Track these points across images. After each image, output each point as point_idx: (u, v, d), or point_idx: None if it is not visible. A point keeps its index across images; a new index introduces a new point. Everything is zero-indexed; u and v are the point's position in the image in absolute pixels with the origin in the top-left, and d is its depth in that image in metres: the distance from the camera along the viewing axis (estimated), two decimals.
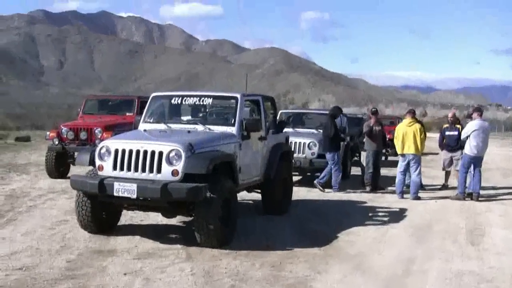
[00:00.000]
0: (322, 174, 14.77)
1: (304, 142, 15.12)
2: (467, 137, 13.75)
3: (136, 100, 17.14)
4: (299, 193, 14.09)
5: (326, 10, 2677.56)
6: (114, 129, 14.82)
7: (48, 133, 16.71)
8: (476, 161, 13.87)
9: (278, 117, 16.47)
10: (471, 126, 13.73)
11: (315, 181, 14.73)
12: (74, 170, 14.74)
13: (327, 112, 18.07)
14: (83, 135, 15.60)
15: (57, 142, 15.61)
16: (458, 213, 12.08)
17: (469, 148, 13.73)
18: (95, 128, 15.54)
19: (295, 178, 16.27)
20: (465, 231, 10.20)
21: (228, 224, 8.52)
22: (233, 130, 9.44)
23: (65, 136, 15.74)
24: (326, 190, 14.51)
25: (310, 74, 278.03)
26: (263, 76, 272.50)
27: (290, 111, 19.75)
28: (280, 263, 7.63)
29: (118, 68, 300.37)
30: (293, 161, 14.22)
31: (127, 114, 16.72)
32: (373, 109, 16.35)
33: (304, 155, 15.02)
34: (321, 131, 16.06)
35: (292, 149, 14.65)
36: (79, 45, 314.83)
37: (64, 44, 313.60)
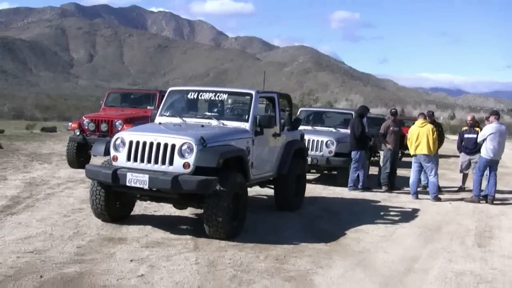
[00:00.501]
0: (356, 180, 15.05)
1: (322, 140, 15.22)
2: (484, 140, 13.79)
3: (158, 94, 17.39)
4: (315, 190, 14.27)
5: (357, 10, 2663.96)
6: (134, 122, 15.04)
7: (70, 124, 17.06)
8: (492, 164, 13.90)
9: (298, 114, 16.68)
10: (488, 129, 13.77)
11: (357, 190, 14.93)
12: (95, 161, 14.99)
13: (346, 111, 18.23)
14: (103, 127, 15.91)
15: (78, 133, 15.94)
16: (470, 216, 12.13)
17: (486, 151, 13.77)
18: (115, 120, 15.83)
19: (313, 176, 16.50)
20: (474, 233, 10.26)
21: (237, 218, 8.72)
22: (246, 125, 9.61)
23: (86, 127, 16.07)
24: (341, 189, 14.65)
25: (338, 74, 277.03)
26: (291, 74, 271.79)
27: (310, 109, 19.87)
28: (284, 256, 7.79)
29: (147, 63, 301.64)
30: (310, 158, 14.43)
31: (148, 107, 16.95)
32: (393, 110, 16.43)
33: (321, 153, 15.13)
34: (340, 129, 16.27)
35: (310, 147, 14.87)
36: (109, 38, 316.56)
37: (94, 37, 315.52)
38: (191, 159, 8.17)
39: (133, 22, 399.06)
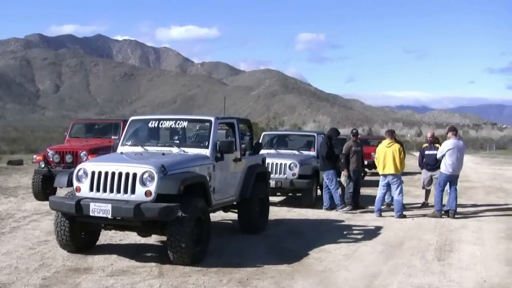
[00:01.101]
0: (324, 200, 15.33)
1: (285, 163, 15.43)
2: (443, 156, 14.11)
3: (122, 124, 17.46)
4: (280, 213, 14.45)
5: (321, 31, 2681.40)
6: (99, 152, 15.11)
7: (34, 156, 17.09)
8: (452, 179, 14.22)
9: (261, 139, 16.90)
10: (447, 145, 14.09)
11: (327, 210, 15.19)
12: (61, 192, 15.02)
13: (309, 133, 18.50)
14: (68, 158, 15.96)
15: (43, 165, 15.96)
16: (432, 230, 12.37)
17: (445, 167, 14.09)
18: (80, 151, 15.89)
19: (278, 199, 16.71)
20: (434, 248, 10.49)
21: (201, 243, 8.86)
22: (207, 152, 9.78)
23: (51, 159, 16.12)
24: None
25: (305, 95, 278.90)
26: (258, 97, 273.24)
27: (273, 132, 20.12)
28: (247, 279, 7.94)
29: (114, 91, 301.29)
30: (274, 181, 14.66)
31: (113, 137, 17.01)
32: (354, 130, 16.72)
33: (285, 175, 15.34)
34: (303, 152, 16.57)
35: (274, 170, 15.09)
36: (75, 68, 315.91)
37: (60, 67, 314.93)
38: (152, 187, 8.32)
39: (98, 51, 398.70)
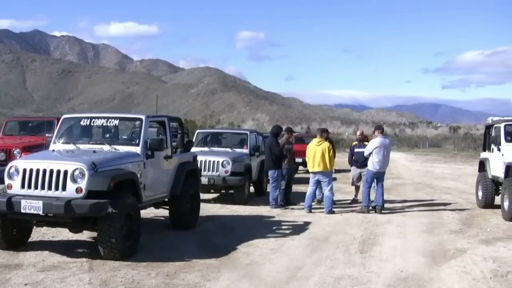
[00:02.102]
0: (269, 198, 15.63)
1: (218, 161, 15.70)
2: (370, 153, 14.61)
3: (56, 121, 17.46)
4: (213, 209, 14.76)
5: (261, 30, 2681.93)
6: (33, 150, 15.14)
7: None
8: (379, 176, 14.75)
9: (194, 137, 17.16)
10: (373, 144, 14.61)
11: (271, 207, 15.44)
12: None
13: (242, 131, 18.83)
14: (1, 156, 15.94)
15: None
16: (358, 225, 12.82)
17: (372, 164, 14.61)
18: (13, 149, 15.90)
19: (211, 196, 17.01)
20: (358, 241, 10.92)
21: (131, 238, 9.11)
22: (137, 149, 10.02)
23: None
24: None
25: (244, 94, 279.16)
26: (198, 95, 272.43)
27: (207, 130, 20.39)
28: (175, 272, 8.21)
29: (52, 88, 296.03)
30: (207, 178, 14.95)
31: (47, 135, 17.05)
32: (288, 128, 17.12)
33: (218, 173, 15.60)
34: (236, 149, 16.88)
35: (207, 167, 15.37)
36: (10, 64, 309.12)
37: None
38: (83, 183, 8.52)
39: (35, 47, 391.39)
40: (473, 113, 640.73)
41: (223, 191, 16.83)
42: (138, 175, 9.70)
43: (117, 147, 10.13)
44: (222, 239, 10.90)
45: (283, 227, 12.51)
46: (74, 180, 8.57)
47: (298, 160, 23.47)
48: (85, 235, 10.59)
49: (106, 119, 10.70)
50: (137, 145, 10.11)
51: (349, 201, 16.86)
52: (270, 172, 15.54)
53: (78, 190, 8.53)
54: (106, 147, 10.12)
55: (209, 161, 15.69)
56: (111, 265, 8.56)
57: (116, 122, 10.71)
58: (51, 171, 8.69)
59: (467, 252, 10.06)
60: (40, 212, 8.46)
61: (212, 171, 15.62)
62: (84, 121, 10.85)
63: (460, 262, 9.28)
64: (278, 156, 15.45)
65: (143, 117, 10.55)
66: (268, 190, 16.58)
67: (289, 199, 15.92)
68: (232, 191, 16.25)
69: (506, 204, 13.45)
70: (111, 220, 8.55)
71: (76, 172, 8.58)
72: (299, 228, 12.29)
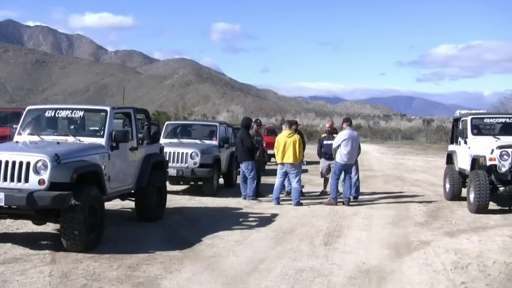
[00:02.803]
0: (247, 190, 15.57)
1: (187, 152, 15.70)
2: (338, 146, 14.67)
3: (23, 113, 17.33)
4: (181, 201, 14.75)
5: (237, 22, 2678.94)
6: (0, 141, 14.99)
7: None
8: (347, 168, 14.81)
9: (163, 128, 17.14)
10: (341, 136, 14.68)
11: (245, 199, 15.46)
12: None
13: (211, 123, 18.85)
14: None
15: None
16: (324, 217, 12.86)
17: (340, 156, 14.66)
18: None
19: (181, 187, 17.00)
20: (324, 234, 10.95)
21: (94, 230, 9.06)
22: (102, 141, 9.97)
23: None
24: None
25: (219, 85, 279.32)
26: (172, 87, 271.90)
27: (176, 122, 20.30)
28: (137, 264, 8.19)
29: (25, 79, 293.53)
30: (176, 170, 14.94)
31: (14, 126, 16.88)
32: (258, 120, 17.17)
33: (186, 164, 15.60)
34: (205, 141, 16.88)
35: (176, 159, 15.36)
36: None
37: None
38: (46, 175, 8.45)
39: (9, 37, 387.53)
40: (446, 106, 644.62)
41: (192, 183, 16.86)
42: (103, 167, 9.65)
43: (82, 138, 10.07)
44: (188, 231, 10.89)
45: (250, 219, 12.53)
46: (36, 172, 8.50)
47: (271, 152, 23.52)
48: (50, 227, 10.53)
49: (71, 111, 10.63)
50: (102, 136, 10.06)
51: (318, 193, 16.91)
52: (244, 164, 15.52)
53: (40, 182, 8.46)
54: (70, 139, 10.05)
55: (178, 152, 15.68)
56: (73, 257, 8.51)
57: (81, 113, 10.65)
58: (14, 163, 8.58)
59: (430, 244, 10.13)
60: (2, 204, 8.35)
61: (181, 162, 15.62)
62: (48, 113, 10.77)
63: (422, 254, 9.34)
64: (250, 147, 15.46)
65: (108, 108, 10.48)
66: (238, 182, 16.57)
67: (258, 191, 15.92)
68: (201, 183, 16.24)
69: (471, 196, 13.56)
70: (74, 212, 8.49)
71: (39, 164, 8.51)
72: (265, 220, 12.31)
